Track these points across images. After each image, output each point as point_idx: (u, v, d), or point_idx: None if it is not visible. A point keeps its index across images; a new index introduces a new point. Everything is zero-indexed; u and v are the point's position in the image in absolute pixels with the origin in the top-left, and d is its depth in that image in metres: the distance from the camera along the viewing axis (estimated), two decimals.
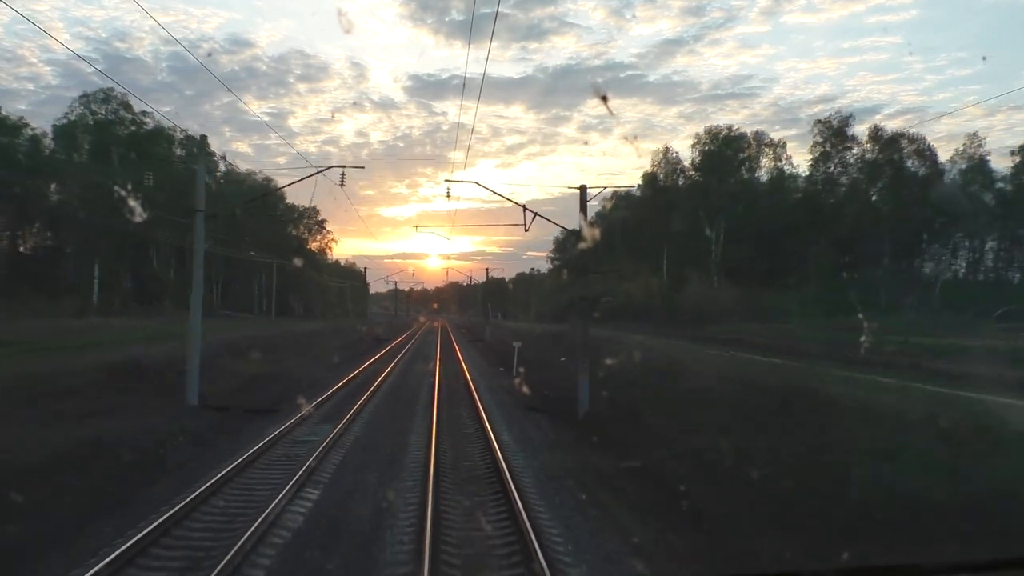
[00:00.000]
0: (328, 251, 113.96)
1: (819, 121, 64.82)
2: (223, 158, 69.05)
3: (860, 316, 45.66)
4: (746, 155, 70.65)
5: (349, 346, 48.50)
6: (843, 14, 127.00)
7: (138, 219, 47.36)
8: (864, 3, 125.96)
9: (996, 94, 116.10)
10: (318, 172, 21.30)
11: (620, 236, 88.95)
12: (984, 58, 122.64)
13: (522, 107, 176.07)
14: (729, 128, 70.92)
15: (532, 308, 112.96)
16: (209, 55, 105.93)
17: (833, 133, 64.15)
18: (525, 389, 25.33)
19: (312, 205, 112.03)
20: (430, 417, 18.15)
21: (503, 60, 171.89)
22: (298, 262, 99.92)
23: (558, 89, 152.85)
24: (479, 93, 75.43)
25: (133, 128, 56.26)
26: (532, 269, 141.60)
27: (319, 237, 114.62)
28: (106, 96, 56.32)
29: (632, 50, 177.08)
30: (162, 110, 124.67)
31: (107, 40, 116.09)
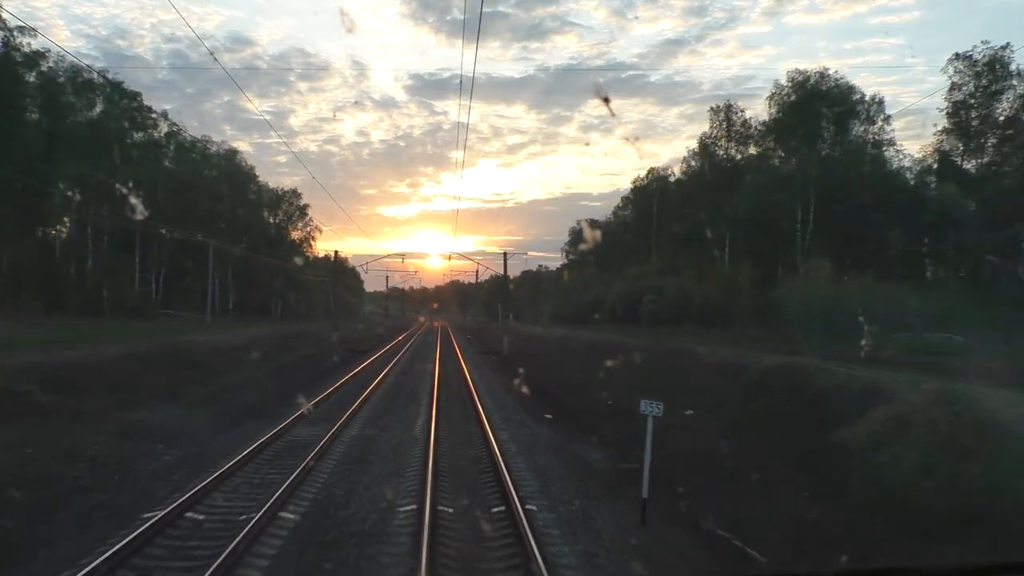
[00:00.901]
0: (312, 242, 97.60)
1: (957, 55, 46.97)
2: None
3: None
4: (841, 111, 53.28)
5: (302, 366, 31.83)
6: (845, 15, 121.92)
7: None
8: (866, 4, 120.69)
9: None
10: None
11: (657, 219, 72.74)
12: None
13: (523, 107, 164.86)
14: (821, 74, 53.37)
15: (547, 310, 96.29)
16: (211, 54, 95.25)
17: (985, 67, 46.09)
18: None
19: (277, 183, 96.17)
20: None
21: (504, 60, 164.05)
22: (298, 260, 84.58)
23: (559, 89, 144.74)
24: (471, 94, 59.63)
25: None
26: (540, 267, 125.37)
27: (300, 225, 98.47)
28: None
29: (634, 50, 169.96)
30: (164, 107, 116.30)
31: (107, 38, 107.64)
